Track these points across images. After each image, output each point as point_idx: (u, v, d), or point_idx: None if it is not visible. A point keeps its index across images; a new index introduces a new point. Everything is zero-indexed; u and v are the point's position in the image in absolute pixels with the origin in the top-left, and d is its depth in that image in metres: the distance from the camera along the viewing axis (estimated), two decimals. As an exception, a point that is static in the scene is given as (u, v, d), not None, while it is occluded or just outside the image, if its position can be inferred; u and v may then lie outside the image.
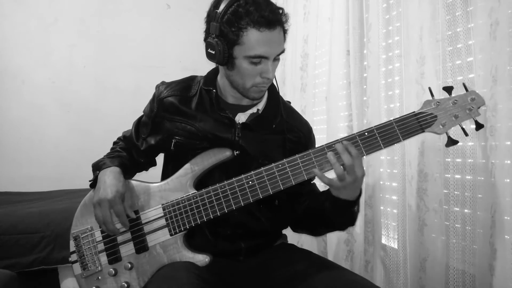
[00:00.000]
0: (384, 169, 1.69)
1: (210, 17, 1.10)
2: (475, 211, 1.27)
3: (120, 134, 1.39)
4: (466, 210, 1.31)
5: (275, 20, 1.05)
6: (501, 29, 1.13)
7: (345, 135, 1.86)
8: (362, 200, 1.77)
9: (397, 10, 1.58)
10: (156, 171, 1.32)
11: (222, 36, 1.07)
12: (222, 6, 1.06)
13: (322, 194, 1.17)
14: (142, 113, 1.32)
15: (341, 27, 1.88)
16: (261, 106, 1.23)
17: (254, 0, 1.05)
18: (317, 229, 1.28)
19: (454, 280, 1.35)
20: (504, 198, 1.14)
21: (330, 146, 1.05)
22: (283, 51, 1.12)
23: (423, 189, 1.43)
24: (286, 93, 2.40)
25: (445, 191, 1.37)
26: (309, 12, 2.17)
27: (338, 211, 1.11)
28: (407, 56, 1.49)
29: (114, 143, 1.38)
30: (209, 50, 1.10)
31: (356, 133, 1.06)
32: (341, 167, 1.02)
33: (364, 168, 1.74)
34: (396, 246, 1.62)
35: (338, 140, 1.05)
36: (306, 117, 1.38)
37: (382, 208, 1.69)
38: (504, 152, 1.15)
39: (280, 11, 1.09)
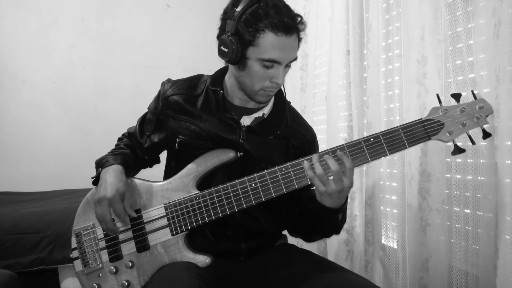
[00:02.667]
0: (384, 169, 1.69)
1: (227, 14, 1.09)
2: (477, 211, 1.27)
3: (120, 134, 1.39)
4: (468, 211, 1.31)
5: (293, 26, 1.05)
6: (503, 29, 1.13)
7: (345, 135, 1.89)
8: (362, 200, 1.77)
9: (397, 10, 1.58)
10: (158, 169, 1.32)
11: (237, 35, 1.06)
12: (241, 6, 1.05)
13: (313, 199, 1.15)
14: (147, 110, 1.32)
15: (341, 27, 1.88)
16: (267, 110, 1.23)
17: (275, 4, 1.05)
18: (310, 235, 1.27)
19: (457, 281, 1.35)
20: (505, 198, 1.14)
21: (334, 151, 1.04)
22: (295, 59, 1.12)
23: (426, 189, 1.43)
24: (285, 93, 2.39)
25: (447, 191, 1.37)
26: (309, 12, 2.18)
27: (320, 217, 1.10)
28: (407, 56, 1.49)
29: (119, 139, 1.37)
30: (222, 48, 1.09)
31: (362, 138, 1.04)
32: (323, 172, 1.01)
33: (364, 168, 1.76)
34: (395, 246, 1.62)
35: (342, 145, 1.04)
36: (306, 117, 1.38)
37: (382, 208, 1.69)
38: (504, 152, 1.15)
39: (299, 19, 1.08)
